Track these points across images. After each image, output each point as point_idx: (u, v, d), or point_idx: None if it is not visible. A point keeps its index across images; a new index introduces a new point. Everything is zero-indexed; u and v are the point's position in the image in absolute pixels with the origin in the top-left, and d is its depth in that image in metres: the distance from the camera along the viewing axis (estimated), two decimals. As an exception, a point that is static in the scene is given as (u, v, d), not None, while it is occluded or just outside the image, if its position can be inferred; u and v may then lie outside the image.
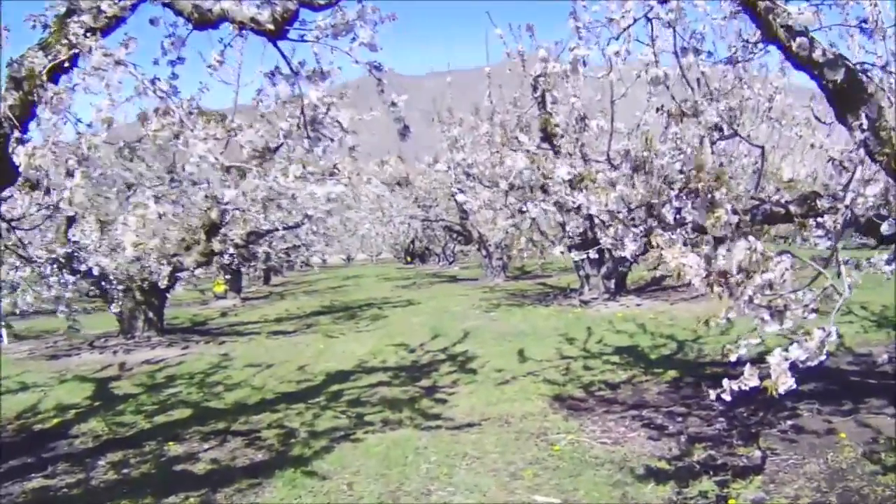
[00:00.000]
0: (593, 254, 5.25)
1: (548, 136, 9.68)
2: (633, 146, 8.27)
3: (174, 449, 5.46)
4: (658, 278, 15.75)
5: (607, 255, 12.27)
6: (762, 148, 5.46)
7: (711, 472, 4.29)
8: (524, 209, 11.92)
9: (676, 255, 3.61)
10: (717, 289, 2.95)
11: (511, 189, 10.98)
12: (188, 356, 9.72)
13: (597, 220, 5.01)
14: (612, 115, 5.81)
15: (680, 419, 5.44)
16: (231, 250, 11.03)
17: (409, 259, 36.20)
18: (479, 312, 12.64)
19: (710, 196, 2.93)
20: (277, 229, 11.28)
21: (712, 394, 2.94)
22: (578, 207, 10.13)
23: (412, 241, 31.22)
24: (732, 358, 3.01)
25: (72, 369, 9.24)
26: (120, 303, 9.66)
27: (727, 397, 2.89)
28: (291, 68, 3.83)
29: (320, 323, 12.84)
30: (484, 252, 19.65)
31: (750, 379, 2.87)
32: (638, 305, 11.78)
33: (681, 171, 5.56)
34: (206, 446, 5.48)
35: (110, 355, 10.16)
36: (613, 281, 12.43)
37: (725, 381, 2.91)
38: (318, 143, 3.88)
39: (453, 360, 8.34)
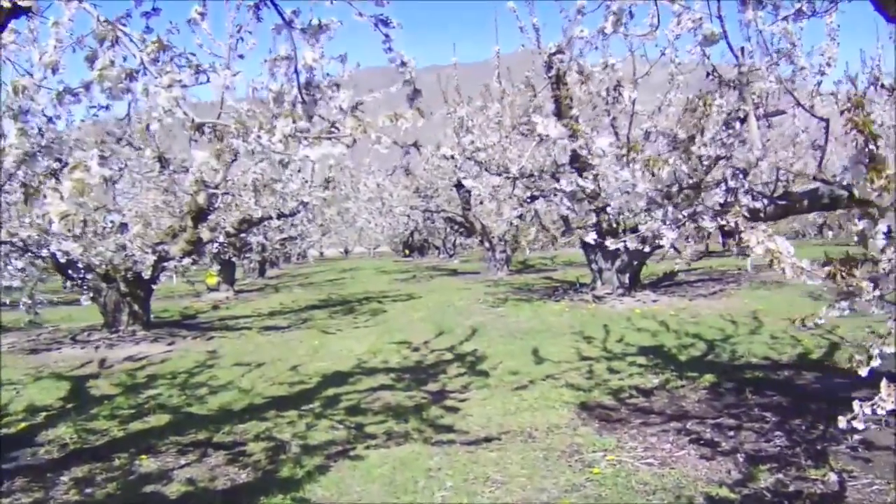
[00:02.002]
0: (632, 243, 4.51)
1: (561, 116, 8.95)
2: (654, 126, 7.53)
3: (146, 464, 4.72)
4: (671, 273, 15.03)
5: (622, 247, 11.51)
6: (826, 121, 4.72)
7: (786, 502, 3.56)
8: (534, 196, 11.21)
9: (762, 239, 2.88)
10: (840, 280, 2.21)
11: (521, 176, 10.26)
12: (173, 353, 8.99)
13: (638, 203, 4.27)
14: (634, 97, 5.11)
15: (731, 433, 4.70)
16: (221, 238, 10.25)
17: (407, 252, 35.51)
18: (485, 307, 11.90)
19: (867, 149, 2.18)
20: (271, 217, 10.50)
21: (842, 421, 2.20)
22: (596, 194, 9.38)
23: (411, 234, 30.46)
24: (863, 372, 2.28)
25: (50, 365, 8.54)
26: (91, 294, 8.87)
27: (860, 425, 2.16)
28: (283, 18, 3.09)
29: (316, 318, 12.08)
30: (487, 244, 18.92)
31: (887, 400, 2.13)
32: (654, 301, 11.05)
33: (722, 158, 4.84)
34: (182, 461, 4.74)
35: (92, 350, 9.45)
36: (628, 275, 11.69)
37: (857, 405, 2.17)
38: (314, 110, 3.16)
39: (461, 360, 7.59)
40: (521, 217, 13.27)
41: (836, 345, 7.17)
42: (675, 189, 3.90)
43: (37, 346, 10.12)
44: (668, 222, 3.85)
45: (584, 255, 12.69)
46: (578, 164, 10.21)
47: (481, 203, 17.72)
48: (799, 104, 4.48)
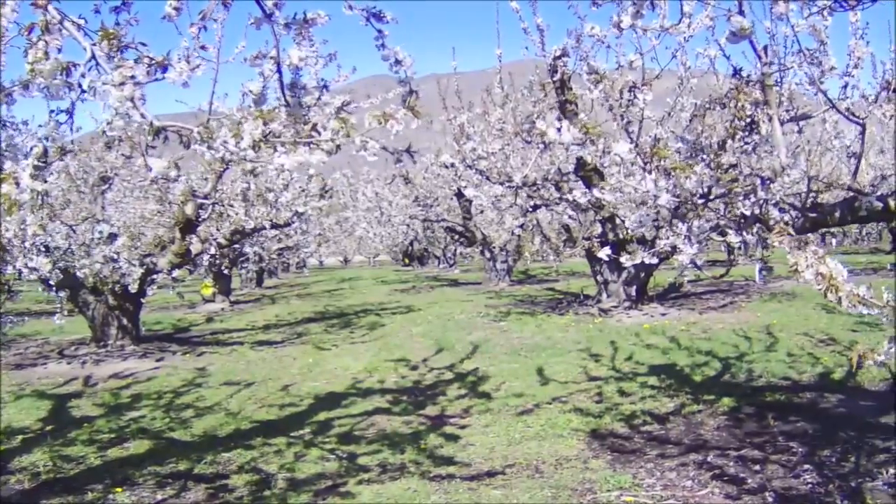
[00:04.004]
0: (649, 259, 4.14)
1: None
2: (670, 131, 7.15)
3: (121, 499, 4.33)
4: (677, 285, 14.62)
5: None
6: (863, 125, 4.35)
7: (826, 555, 3.17)
8: (537, 206, 10.85)
9: (812, 262, 2.50)
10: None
11: (524, 186, 9.89)
12: (161, 370, 8.58)
13: (659, 215, 3.90)
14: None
15: (756, 467, 4.30)
16: (213, 250, 9.85)
17: (406, 261, 35.15)
18: (487, 321, 11.50)
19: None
20: (264, 227, 10.10)
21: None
22: (601, 204, 8.97)
23: (411, 243, 30.10)
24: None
25: (32, 382, 8.15)
26: (66, 312, 8.47)
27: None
28: (263, 9, 2.72)
29: (311, 332, 11.66)
30: (488, 254, 18.55)
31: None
32: (663, 315, 10.65)
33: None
34: (159, 496, 4.35)
35: (78, 366, 9.06)
36: (634, 287, 11.29)
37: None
38: (299, 112, 2.79)
39: (462, 380, 7.19)
40: (522, 227, 12.91)
41: (859, 363, 6.77)
42: (700, 200, 3.52)
43: (22, 360, 9.75)
44: (693, 237, 3.47)
45: (589, 265, 12.30)
46: (584, 172, 9.85)
47: (482, 212, 17.39)
48: (833, 106, 4.12)
